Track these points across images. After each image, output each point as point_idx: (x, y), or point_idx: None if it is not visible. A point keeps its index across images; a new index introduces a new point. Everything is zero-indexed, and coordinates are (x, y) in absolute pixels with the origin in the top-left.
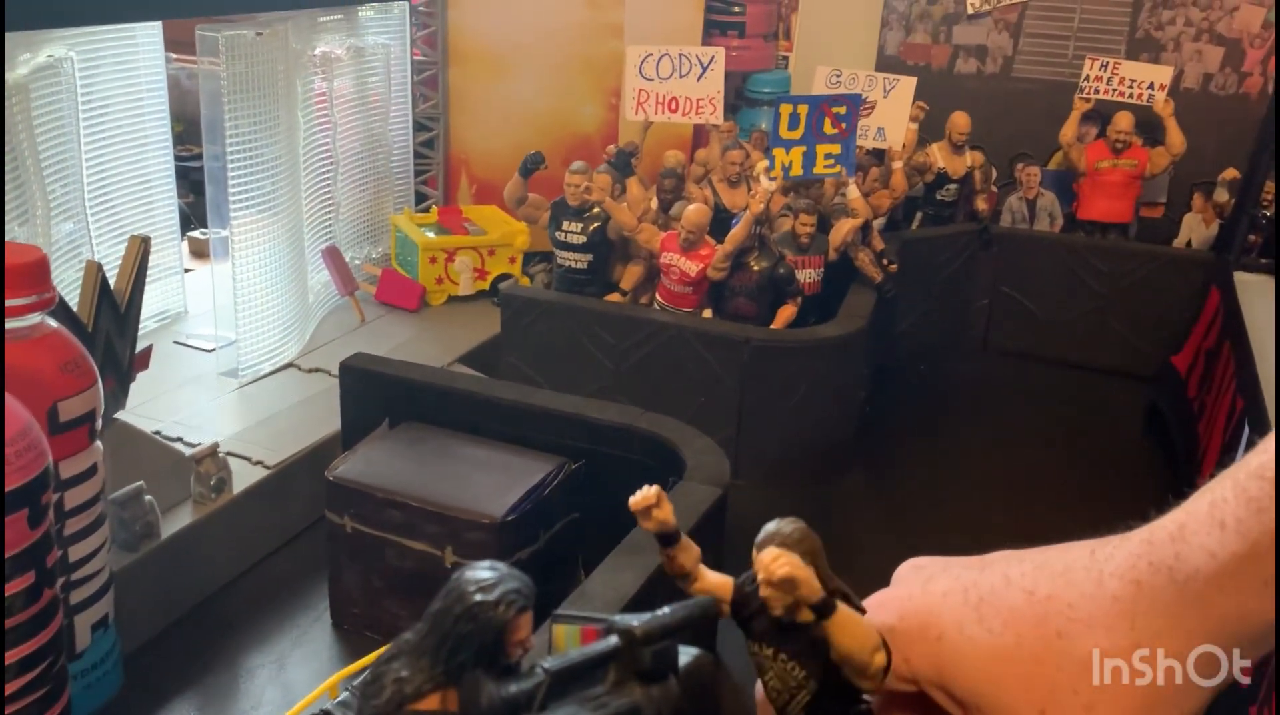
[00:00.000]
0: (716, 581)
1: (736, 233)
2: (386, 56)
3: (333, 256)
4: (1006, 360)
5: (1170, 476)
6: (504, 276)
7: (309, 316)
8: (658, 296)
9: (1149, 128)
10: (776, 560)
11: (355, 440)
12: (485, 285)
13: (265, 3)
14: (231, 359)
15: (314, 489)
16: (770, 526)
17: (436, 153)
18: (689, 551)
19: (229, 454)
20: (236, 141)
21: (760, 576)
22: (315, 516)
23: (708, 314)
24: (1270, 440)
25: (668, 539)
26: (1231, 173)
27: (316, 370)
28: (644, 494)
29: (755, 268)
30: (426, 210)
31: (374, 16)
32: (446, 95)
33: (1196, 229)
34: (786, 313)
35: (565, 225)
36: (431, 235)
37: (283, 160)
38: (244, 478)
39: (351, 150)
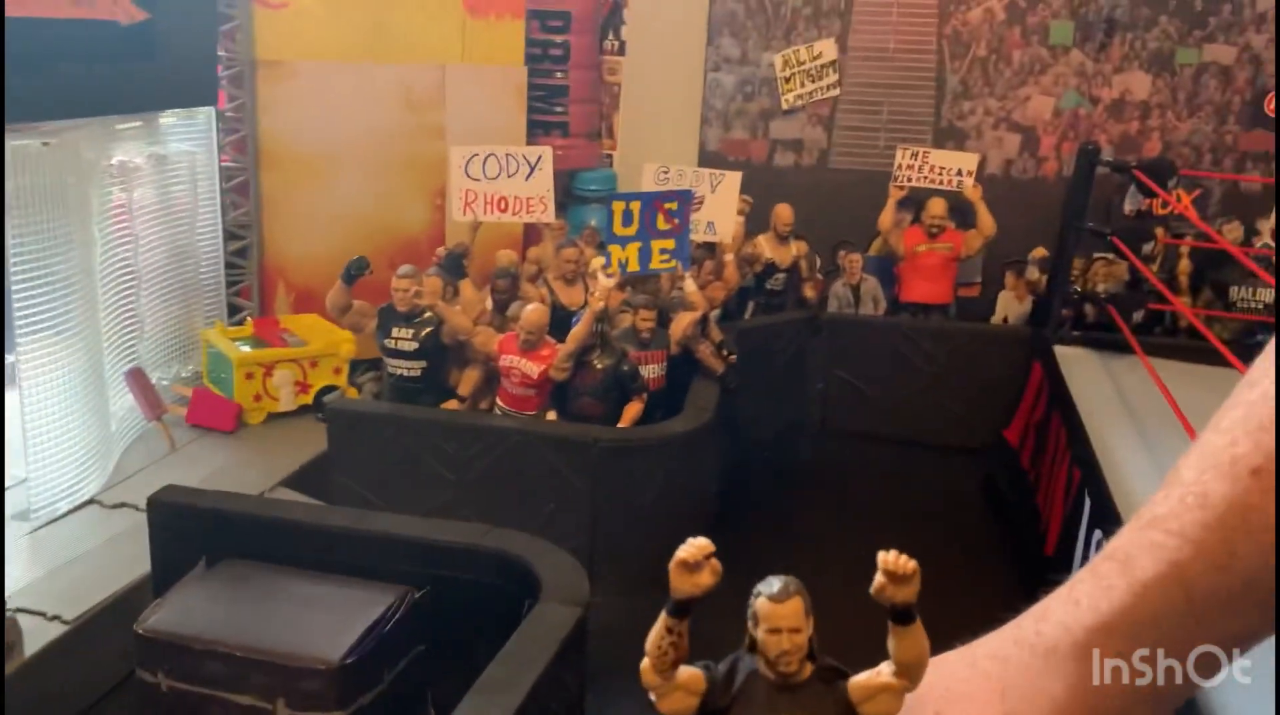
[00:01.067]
0: (687, 675)
1: (578, 331)
2: (192, 164)
3: (137, 379)
4: (845, 441)
5: (1013, 548)
6: (329, 388)
7: (112, 446)
8: (498, 401)
9: (960, 212)
10: (900, 556)
11: (168, 585)
12: (309, 399)
13: (52, 111)
14: (22, 500)
15: (122, 643)
16: (775, 583)
17: (250, 262)
18: (687, 634)
19: (18, 610)
20: (22, 259)
21: (890, 570)
22: (124, 674)
23: (552, 416)
24: (1124, 530)
25: (687, 609)
26: (1040, 251)
27: (122, 506)
28: (700, 544)
29: (599, 366)
30: (241, 323)
31: (177, 123)
32: (259, 202)
33: (1011, 306)
34: (633, 410)
35: (395, 332)
36: (247, 349)
37: (76, 278)
38: (38, 637)
39: (155, 263)
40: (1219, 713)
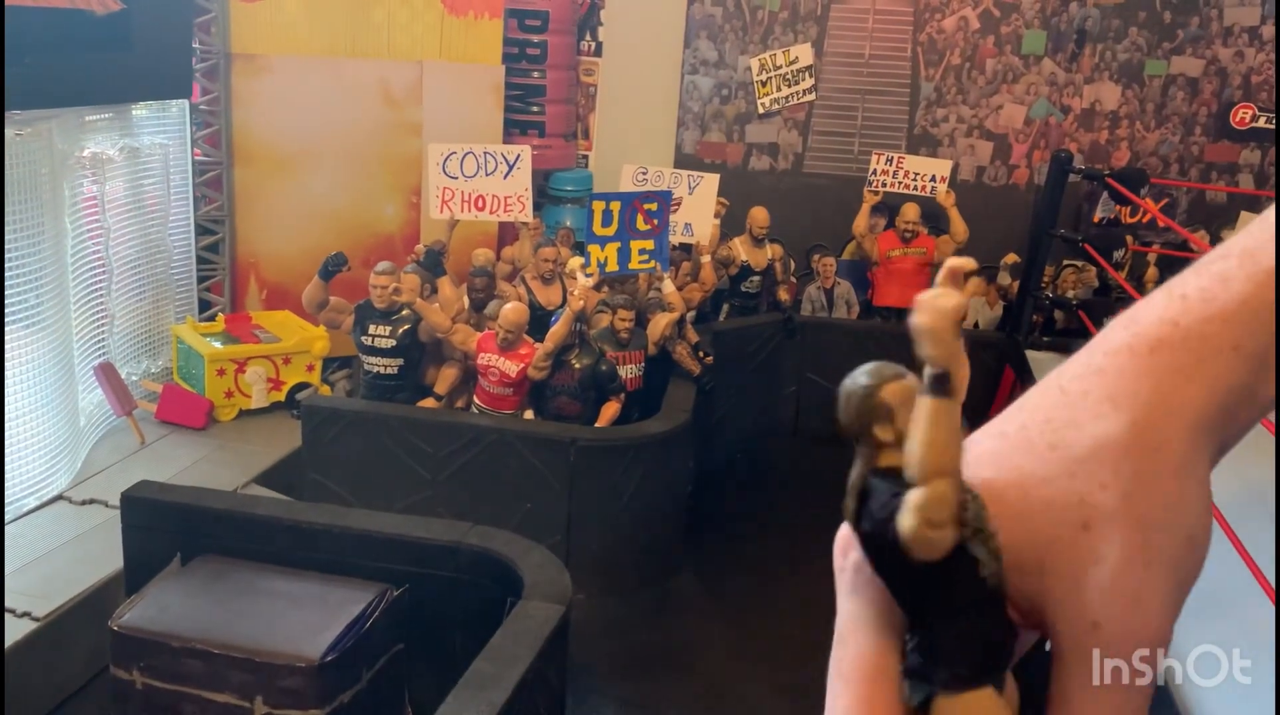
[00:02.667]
0: None
1: (557, 330)
2: (165, 157)
3: (107, 373)
4: (816, 445)
5: None
6: (302, 385)
7: (81, 441)
8: (475, 399)
9: (933, 217)
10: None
11: (142, 581)
12: (281, 396)
13: (25, 100)
14: None
15: (95, 641)
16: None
17: (222, 257)
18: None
19: None
20: None
21: (961, 267)
22: (97, 671)
23: (529, 415)
24: (1243, 236)
25: (946, 382)
26: (1011, 257)
27: (91, 502)
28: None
29: (577, 365)
30: (212, 318)
31: (150, 115)
32: (232, 196)
33: (981, 311)
34: (611, 410)
35: (372, 329)
36: (218, 345)
37: (47, 270)
38: (8, 633)
39: (127, 257)
40: (1219, 712)
